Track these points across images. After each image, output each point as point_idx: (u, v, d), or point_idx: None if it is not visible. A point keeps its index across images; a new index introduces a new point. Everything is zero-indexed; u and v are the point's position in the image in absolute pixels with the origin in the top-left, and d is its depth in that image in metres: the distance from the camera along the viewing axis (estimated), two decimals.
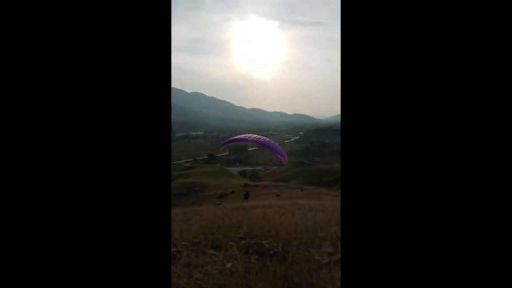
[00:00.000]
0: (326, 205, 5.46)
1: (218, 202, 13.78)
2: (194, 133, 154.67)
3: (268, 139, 8.50)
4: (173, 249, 2.35)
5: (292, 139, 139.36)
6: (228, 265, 2.11)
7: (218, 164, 68.39)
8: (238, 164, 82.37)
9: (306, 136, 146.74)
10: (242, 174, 52.89)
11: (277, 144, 9.03)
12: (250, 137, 8.67)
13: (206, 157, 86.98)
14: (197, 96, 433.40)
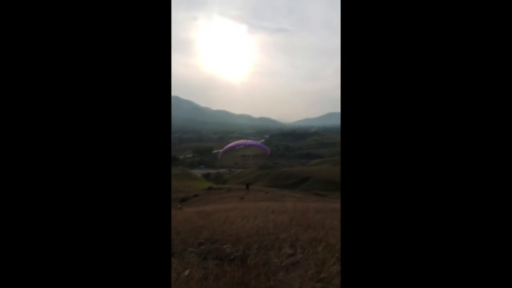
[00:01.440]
0: (288, 207, 5.60)
1: (179, 206, 13.24)
2: None
3: (251, 140, 12.14)
4: None
5: None
6: (186, 272, 2.02)
7: (180, 166, 65.89)
8: (202, 166, 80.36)
9: (271, 139, 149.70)
10: (206, 176, 51.80)
11: (260, 142, 12.88)
12: (238, 143, 11.97)
13: None
14: None
